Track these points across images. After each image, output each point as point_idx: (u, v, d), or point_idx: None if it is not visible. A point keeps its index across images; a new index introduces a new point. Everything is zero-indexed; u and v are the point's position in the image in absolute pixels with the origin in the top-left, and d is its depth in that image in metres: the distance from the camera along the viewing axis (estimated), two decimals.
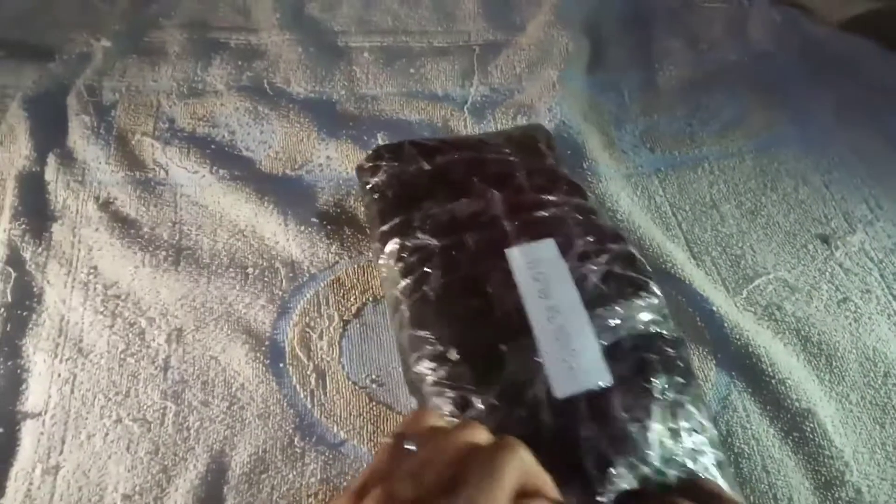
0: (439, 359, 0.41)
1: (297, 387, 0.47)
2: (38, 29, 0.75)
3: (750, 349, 0.48)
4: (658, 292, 0.44)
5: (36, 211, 0.57)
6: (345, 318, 0.51)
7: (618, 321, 0.41)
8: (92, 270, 0.53)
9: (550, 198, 0.48)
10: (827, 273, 0.55)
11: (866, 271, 0.55)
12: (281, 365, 0.48)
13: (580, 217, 0.48)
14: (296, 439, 0.45)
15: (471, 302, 0.43)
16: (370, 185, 0.52)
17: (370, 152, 0.55)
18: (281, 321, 0.51)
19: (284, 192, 0.59)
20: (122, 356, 0.48)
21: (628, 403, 0.38)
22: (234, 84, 0.70)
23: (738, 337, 0.49)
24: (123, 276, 0.53)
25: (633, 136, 0.67)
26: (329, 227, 0.57)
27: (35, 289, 0.52)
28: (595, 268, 0.44)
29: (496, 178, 0.50)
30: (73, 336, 0.49)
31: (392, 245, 0.47)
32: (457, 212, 0.48)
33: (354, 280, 0.53)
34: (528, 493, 0.26)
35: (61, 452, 0.44)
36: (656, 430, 0.37)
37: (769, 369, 0.47)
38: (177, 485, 0.43)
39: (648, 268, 0.46)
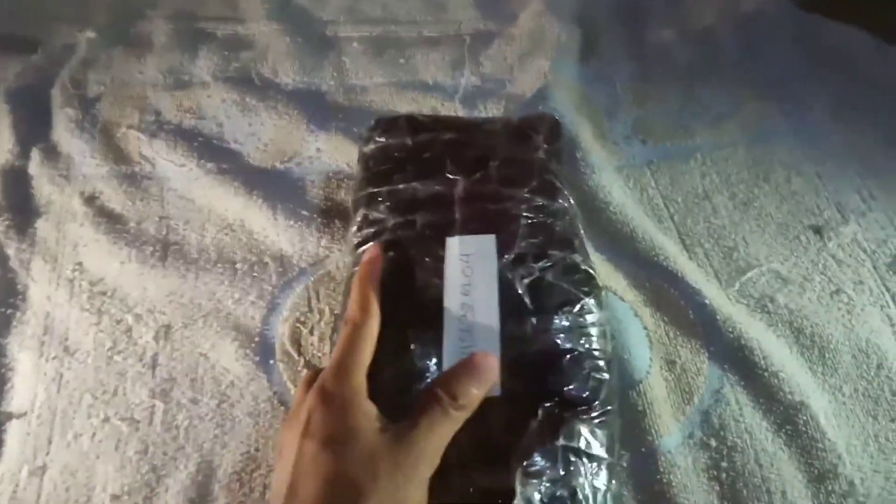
0: None
1: (288, 383, 0.47)
2: (21, 20, 0.74)
3: (742, 342, 0.48)
4: (591, 308, 0.42)
5: (19, 206, 0.56)
6: (336, 312, 0.50)
7: (535, 334, 0.40)
8: (77, 267, 0.52)
9: (512, 192, 0.47)
10: (820, 264, 0.55)
11: (859, 262, 0.55)
12: (271, 361, 0.48)
13: (537, 218, 0.46)
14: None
15: (399, 283, 0.42)
16: (360, 156, 0.53)
17: (372, 122, 0.55)
18: (271, 317, 0.50)
19: (273, 185, 0.58)
20: (109, 354, 0.48)
21: (509, 417, 0.37)
22: (221, 75, 0.69)
23: (730, 329, 0.49)
24: (109, 273, 0.52)
25: (626, 127, 0.66)
26: (319, 220, 0.56)
27: (19, 286, 0.52)
28: (525, 273, 0.42)
29: (468, 163, 0.49)
30: (59, 334, 0.49)
31: (359, 215, 0.48)
32: (418, 192, 0.47)
33: (345, 274, 0.53)
34: None
35: (48, 453, 0.44)
36: (528, 447, 0.36)
37: (762, 362, 0.47)
38: (167, 485, 0.43)
39: (596, 282, 0.44)
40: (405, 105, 0.68)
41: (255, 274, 0.52)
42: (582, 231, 0.49)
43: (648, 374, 0.47)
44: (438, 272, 0.42)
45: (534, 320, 0.41)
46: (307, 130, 0.64)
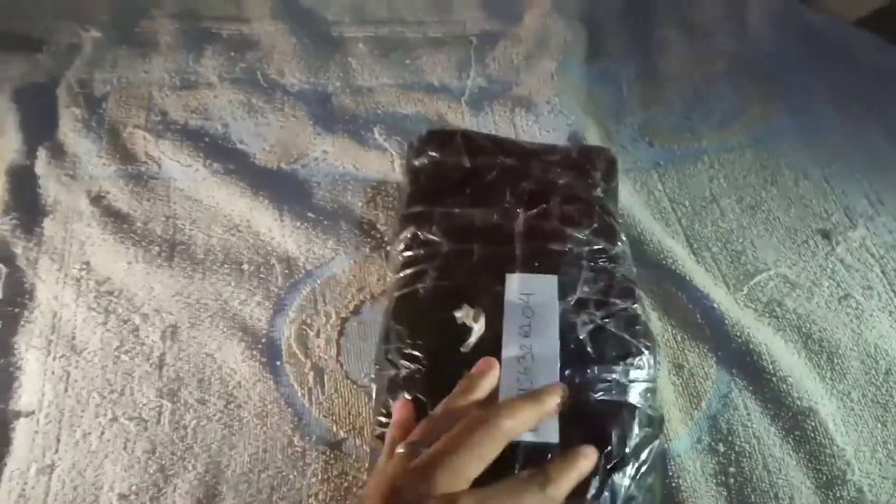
0: (407, 358, 0.40)
1: (295, 385, 0.47)
2: (27, 19, 0.74)
3: (751, 346, 0.48)
4: (650, 364, 0.41)
5: (27, 206, 0.56)
6: (342, 315, 0.50)
7: (593, 383, 0.39)
8: (84, 266, 0.52)
9: (574, 233, 0.46)
10: (828, 269, 0.54)
11: (867, 267, 0.55)
12: (278, 363, 0.48)
13: (598, 262, 0.45)
14: (295, 439, 0.44)
15: (454, 314, 0.41)
16: (411, 167, 0.52)
17: (424, 133, 0.54)
18: (277, 318, 0.50)
19: (280, 186, 0.58)
20: (116, 353, 0.48)
21: None
22: (227, 76, 0.69)
23: (738, 334, 0.49)
24: (116, 272, 0.52)
25: (632, 129, 0.66)
26: (325, 222, 0.56)
27: (26, 285, 0.51)
28: (588, 319, 0.41)
29: (529, 195, 0.48)
30: (66, 333, 0.49)
31: (407, 232, 0.47)
32: (476, 219, 0.46)
33: (351, 277, 0.53)
34: None
35: (56, 451, 0.43)
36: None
37: (770, 367, 0.47)
38: (175, 484, 0.43)
39: (653, 336, 0.44)
40: (411, 106, 0.68)
41: (261, 275, 0.52)
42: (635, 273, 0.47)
43: (656, 378, 0.47)
44: (495, 309, 0.41)
45: (593, 369, 0.39)
46: (314, 132, 0.64)
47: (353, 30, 0.77)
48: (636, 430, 0.38)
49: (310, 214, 0.56)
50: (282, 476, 0.43)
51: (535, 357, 0.39)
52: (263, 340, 0.49)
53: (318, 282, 0.52)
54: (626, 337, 0.41)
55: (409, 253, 0.46)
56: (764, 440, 0.45)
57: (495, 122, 0.66)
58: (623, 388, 0.39)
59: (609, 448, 0.37)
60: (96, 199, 0.57)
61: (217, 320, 0.50)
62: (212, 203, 0.57)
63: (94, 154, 0.61)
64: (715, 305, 0.50)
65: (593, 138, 0.64)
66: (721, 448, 0.45)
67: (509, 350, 0.39)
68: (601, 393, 0.39)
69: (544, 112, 0.66)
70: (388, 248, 0.52)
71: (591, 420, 0.38)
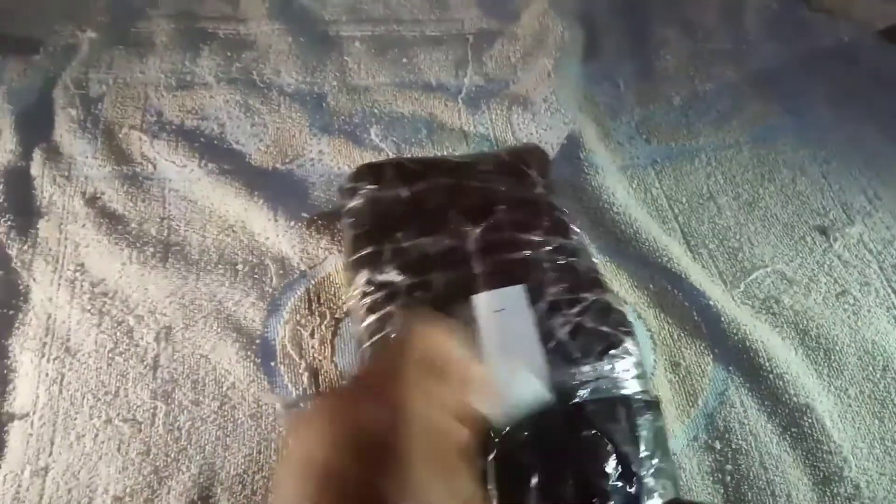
0: None
1: (290, 386, 0.47)
2: (23, 20, 0.74)
3: (747, 343, 0.48)
4: (634, 349, 0.41)
5: (21, 207, 0.56)
6: (336, 315, 0.50)
7: (583, 382, 0.38)
8: (79, 268, 0.52)
9: (529, 237, 0.45)
10: (825, 265, 0.54)
11: (865, 263, 0.54)
12: (272, 364, 0.48)
13: (558, 260, 0.44)
14: (290, 439, 0.44)
15: None
16: (347, 209, 0.49)
17: (353, 171, 0.52)
18: (271, 319, 0.50)
19: (275, 186, 0.58)
20: (111, 355, 0.48)
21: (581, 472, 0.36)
22: (223, 76, 0.69)
23: (735, 331, 0.49)
24: (111, 274, 0.52)
25: (629, 126, 0.66)
26: (320, 222, 0.56)
27: (21, 287, 0.51)
28: (563, 321, 0.41)
29: (475, 210, 0.47)
30: (61, 335, 0.49)
31: (360, 278, 0.44)
32: (429, 248, 0.45)
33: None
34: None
35: (50, 454, 0.43)
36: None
37: (767, 364, 0.47)
38: (169, 486, 0.42)
39: (627, 318, 0.43)
40: (408, 106, 0.67)
41: (255, 276, 0.52)
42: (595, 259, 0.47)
43: (653, 376, 0.47)
44: (468, 335, 0.38)
45: (581, 370, 0.39)
46: (310, 133, 0.64)
47: (350, 29, 0.77)
48: (637, 421, 0.38)
49: (305, 215, 0.56)
50: (276, 477, 0.43)
51: (519, 369, 0.38)
52: (258, 341, 0.49)
53: (313, 282, 0.52)
54: (605, 329, 0.41)
55: (367, 299, 0.43)
56: (761, 437, 0.45)
57: (492, 121, 0.66)
58: (614, 382, 0.39)
59: (616, 448, 0.36)
60: (91, 201, 0.57)
61: (211, 321, 0.49)
62: (207, 204, 0.57)
63: (90, 155, 0.61)
64: (711, 303, 0.50)
65: (590, 136, 0.63)
66: (718, 445, 0.44)
67: (495, 371, 0.38)
68: (594, 392, 0.38)
69: (541, 110, 0.66)
70: (345, 298, 0.49)
71: (592, 423, 0.37)
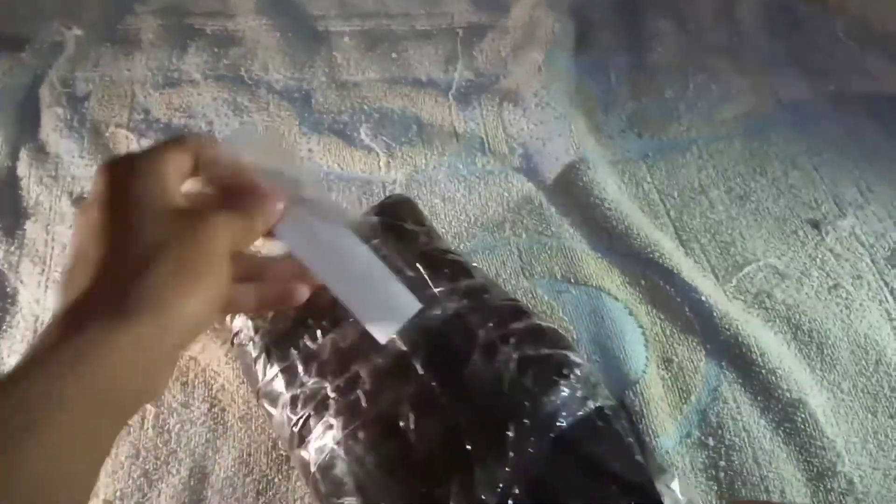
0: None
1: None
2: (8, 18, 0.73)
3: (740, 339, 0.48)
4: (579, 360, 0.40)
5: (8, 208, 0.56)
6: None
7: (553, 413, 0.36)
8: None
9: (435, 291, 0.41)
10: (817, 259, 0.54)
11: (857, 256, 0.54)
12: None
13: (472, 302, 0.41)
14: (280, 441, 0.44)
15: (388, 448, 0.36)
16: (238, 353, 0.44)
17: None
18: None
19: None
20: None
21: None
22: (210, 73, 0.69)
23: (727, 326, 0.48)
24: None
25: (621, 120, 0.65)
26: None
27: (8, 289, 0.51)
28: (506, 358, 0.38)
29: None
30: None
31: (283, 400, 0.40)
32: (339, 342, 0.40)
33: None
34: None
35: None
36: None
37: (759, 359, 0.47)
38: (159, 489, 0.42)
39: (562, 333, 0.42)
40: (399, 101, 0.67)
41: None
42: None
43: (645, 373, 0.46)
44: (424, 411, 0.36)
45: (547, 398, 0.37)
46: (298, 131, 0.63)
47: (339, 24, 0.76)
48: (618, 427, 0.38)
49: None
50: (267, 479, 0.42)
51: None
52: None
53: None
54: (546, 351, 0.39)
55: (299, 423, 0.39)
56: (754, 433, 0.45)
57: (483, 117, 0.65)
58: (582, 401, 0.38)
59: (607, 462, 0.36)
60: (78, 201, 0.56)
61: None
62: None
63: (77, 154, 0.60)
64: (703, 298, 0.50)
65: (581, 130, 0.63)
66: (711, 442, 0.44)
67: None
68: (569, 418, 0.37)
69: (532, 105, 0.66)
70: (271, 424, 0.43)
71: (584, 447, 0.36)
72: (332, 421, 0.37)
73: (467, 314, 0.40)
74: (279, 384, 0.40)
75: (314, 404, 0.38)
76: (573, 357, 0.39)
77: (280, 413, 0.40)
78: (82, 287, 0.26)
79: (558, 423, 0.36)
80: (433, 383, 0.37)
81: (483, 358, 0.38)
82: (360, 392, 0.38)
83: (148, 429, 0.44)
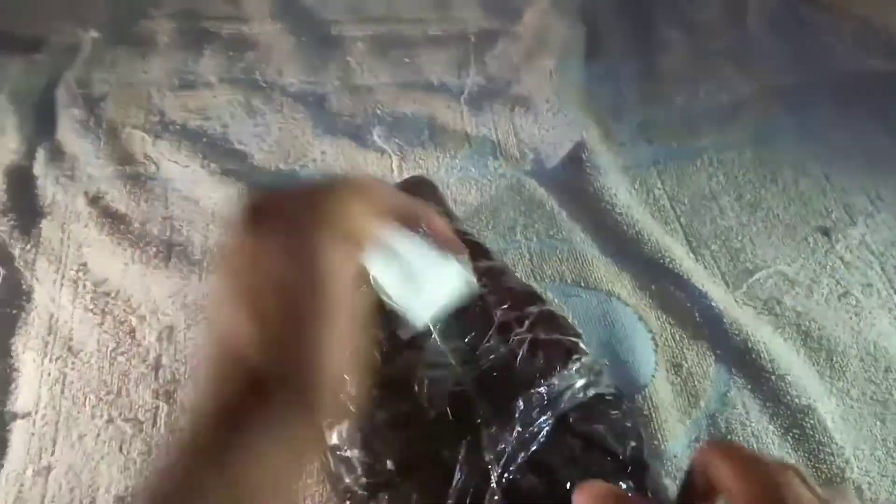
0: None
1: None
2: (25, 19, 0.74)
3: (749, 345, 0.48)
4: (586, 348, 0.41)
5: (24, 207, 0.57)
6: None
7: (558, 393, 0.38)
8: (81, 267, 0.52)
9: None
10: (828, 266, 0.54)
11: (867, 264, 0.54)
12: None
13: (491, 283, 0.42)
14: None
15: (399, 407, 0.37)
16: None
17: None
18: None
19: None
20: (113, 355, 0.48)
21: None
22: (226, 76, 0.69)
23: (737, 332, 0.49)
24: (113, 273, 0.52)
25: (632, 127, 0.66)
26: None
27: (24, 286, 0.52)
28: (519, 339, 0.40)
29: None
30: (63, 335, 0.49)
31: (348, 477, 0.38)
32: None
33: None
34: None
35: (53, 453, 0.43)
36: None
37: (769, 365, 0.47)
38: None
39: (572, 322, 0.43)
40: (411, 105, 0.67)
41: None
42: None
43: (654, 377, 0.47)
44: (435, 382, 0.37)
45: (554, 380, 0.38)
46: (312, 133, 0.64)
47: (352, 29, 0.77)
48: (616, 413, 0.39)
49: None
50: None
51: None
52: None
53: None
54: (557, 336, 0.40)
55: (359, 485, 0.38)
56: (762, 438, 0.45)
57: (495, 122, 0.66)
58: (585, 386, 0.39)
59: (605, 442, 0.37)
60: (94, 200, 0.57)
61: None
62: (209, 203, 0.57)
63: (93, 155, 0.61)
64: (714, 304, 0.50)
65: (592, 137, 0.63)
66: None
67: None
68: (571, 399, 0.38)
69: (543, 111, 0.66)
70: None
71: (583, 426, 0.37)
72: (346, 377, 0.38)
73: (486, 294, 0.42)
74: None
75: (378, 481, 0.38)
76: (581, 345, 0.41)
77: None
78: (255, 341, 0.25)
79: (562, 403, 0.37)
80: (449, 355, 0.39)
81: (498, 336, 0.40)
82: (376, 353, 0.39)
83: (160, 426, 0.45)
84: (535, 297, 0.43)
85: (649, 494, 0.37)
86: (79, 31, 0.73)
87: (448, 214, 0.48)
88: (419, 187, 0.49)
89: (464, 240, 0.44)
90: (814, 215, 0.58)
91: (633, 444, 0.38)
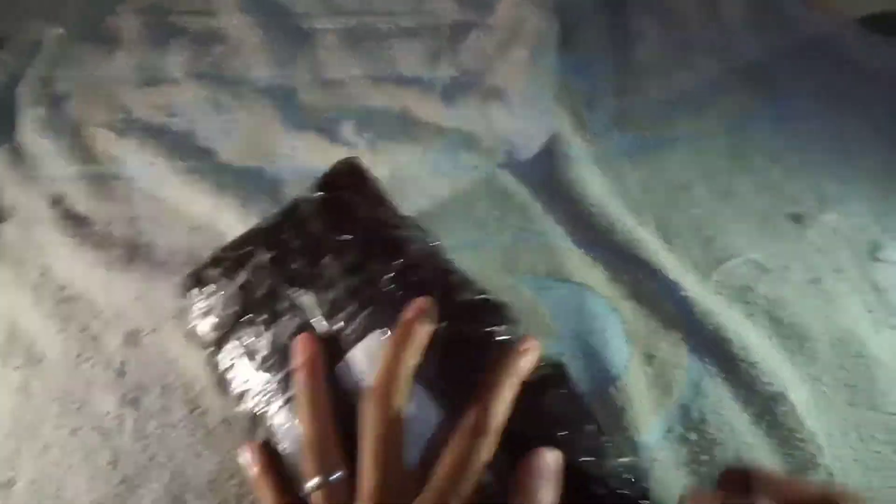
0: None
1: None
2: None
3: (722, 333, 0.48)
4: (515, 316, 0.38)
5: None
6: None
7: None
8: (43, 272, 0.51)
9: (373, 274, 0.39)
10: (799, 253, 0.54)
11: (838, 250, 0.54)
12: None
13: (412, 278, 0.39)
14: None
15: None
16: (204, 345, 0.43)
17: (185, 280, 0.43)
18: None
19: (246, 184, 0.57)
20: (77, 362, 0.47)
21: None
22: (192, 71, 0.68)
23: (710, 321, 0.48)
24: (75, 277, 0.51)
25: (605, 118, 0.65)
26: None
27: None
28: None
29: (303, 275, 0.40)
30: (25, 342, 0.47)
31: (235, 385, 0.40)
32: (276, 338, 0.39)
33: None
34: None
35: (16, 465, 0.42)
36: None
37: (741, 353, 0.47)
38: (140, 495, 0.42)
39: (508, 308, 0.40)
40: (383, 98, 0.66)
41: None
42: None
43: (627, 369, 0.46)
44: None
45: None
46: (281, 128, 0.62)
47: (323, 21, 0.75)
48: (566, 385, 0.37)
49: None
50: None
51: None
52: None
53: None
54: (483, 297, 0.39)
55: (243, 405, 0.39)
56: (736, 427, 0.45)
57: (468, 114, 0.65)
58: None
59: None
60: (56, 202, 0.56)
61: (178, 323, 0.48)
62: (174, 202, 0.56)
63: (56, 154, 0.59)
64: (686, 293, 0.50)
65: (566, 127, 0.63)
66: (693, 437, 0.44)
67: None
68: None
69: (517, 102, 0.65)
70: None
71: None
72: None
73: (399, 299, 0.37)
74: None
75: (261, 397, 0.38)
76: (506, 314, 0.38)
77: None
78: None
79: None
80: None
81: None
82: None
83: (127, 434, 0.44)
84: (448, 273, 0.40)
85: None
86: (43, 27, 0.71)
87: (379, 201, 0.44)
88: (347, 177, 0.44)
89: (381, 240, 0.41)
90: (786, 202, 0.58)
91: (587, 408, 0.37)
